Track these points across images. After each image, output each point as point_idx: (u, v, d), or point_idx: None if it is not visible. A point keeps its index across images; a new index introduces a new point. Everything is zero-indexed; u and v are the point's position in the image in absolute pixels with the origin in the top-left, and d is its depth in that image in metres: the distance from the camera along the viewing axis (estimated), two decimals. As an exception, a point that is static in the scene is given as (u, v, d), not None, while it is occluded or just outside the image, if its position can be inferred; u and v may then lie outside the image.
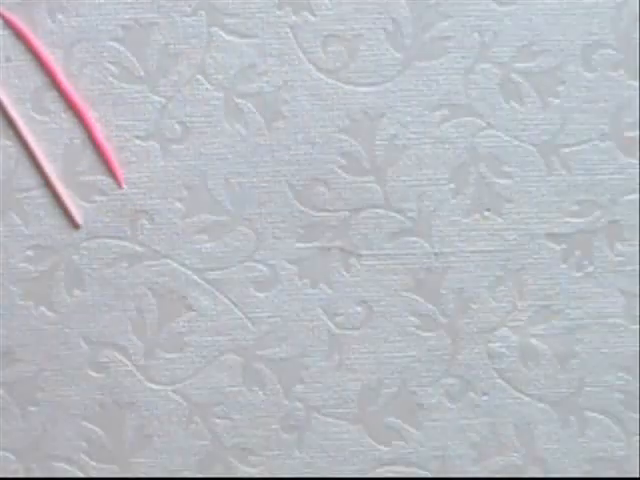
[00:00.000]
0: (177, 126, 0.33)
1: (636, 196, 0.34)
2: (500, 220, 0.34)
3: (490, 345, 0.34)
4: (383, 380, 0.34)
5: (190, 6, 0.32)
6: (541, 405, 0.35)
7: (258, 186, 0.33)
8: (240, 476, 0.35)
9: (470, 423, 0.34)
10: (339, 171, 0.33)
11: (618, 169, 0.34)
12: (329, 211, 0.33)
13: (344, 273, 0.34)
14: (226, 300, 0.34)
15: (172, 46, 0.32)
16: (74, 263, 0.33)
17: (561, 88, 0.34)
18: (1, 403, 0.33)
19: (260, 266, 0.34)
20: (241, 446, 0.34)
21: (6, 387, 0.33)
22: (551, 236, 0.34)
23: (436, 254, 0.34)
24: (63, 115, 0.32)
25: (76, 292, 0.33)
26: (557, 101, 0.34)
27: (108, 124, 0.32)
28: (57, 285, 0.33)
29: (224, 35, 0.32)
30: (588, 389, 0.35)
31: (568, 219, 0.34)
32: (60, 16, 0.32)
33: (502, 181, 0.34)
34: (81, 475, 0.34)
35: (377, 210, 0.34)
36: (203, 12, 0.32)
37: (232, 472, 0.34)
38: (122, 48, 0.32)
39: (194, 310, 0.34)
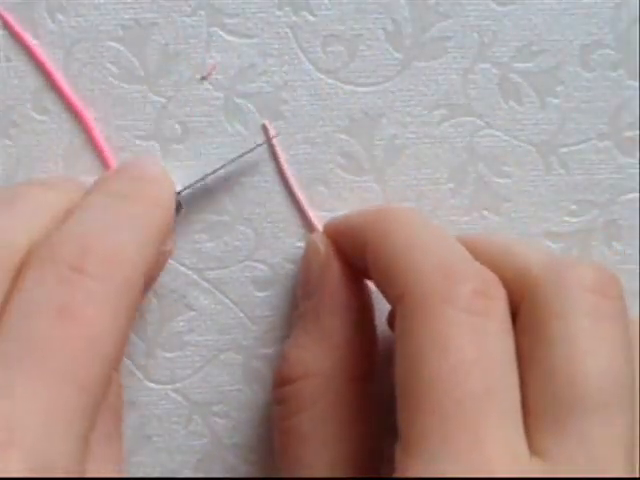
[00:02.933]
0: (177, 126, 0.33)
1: (635, 195, 0.34)
2: (499, 219, 0.34)
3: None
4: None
5: (190, 6, 0.32)
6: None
7: (258, 186, 0.33)
8: (240, 475, 0.35)
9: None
10: (339, 171, 0.33)
11: (617, 169, 0.34)
12: (329, 211, 0.33)
13: (344, 272, 0.33)
14: (226, 299, 0.34)
15: (172, 46, 0.32)
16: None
17: (560, 88, 0.34)
18: None
19: (260, 265, 0.34)
20: (241, 445, 0.34)
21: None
22: (549, 235, 0.35)
23: (435, 254, 0.34)
24: (63, 115, 0.32)
25: (76, 292, 0.33)
26: (556, 101, 0.34)
27: (108, 124, 0.32)
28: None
29: (224, 35, 0.32)
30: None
31: (566, 218, 0.35)
32: (60, 16, 0.32)
33: (501, 181, 0.34)
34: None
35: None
36: (203, 12, 0.32)
37: (232, 471, 0.35)
38: (122, 48, 0.32)
39: (194, 310, 0.34)
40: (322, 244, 0.32)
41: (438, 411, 0.25)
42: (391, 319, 0.32)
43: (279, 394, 0.31)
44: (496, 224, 0.34)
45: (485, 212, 0.34)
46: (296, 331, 0.32)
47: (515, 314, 0.28)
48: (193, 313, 0.34)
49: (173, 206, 0.30)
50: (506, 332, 0.27)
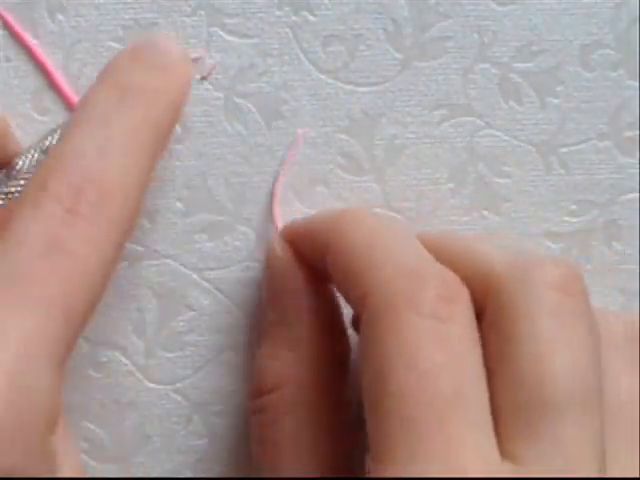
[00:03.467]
0: (177, 126, 0.33)
1: (634, 195, 0.34)
2: (498, 219, 0.34)
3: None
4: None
5: (190, 6, 0.32)
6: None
7: (258, 186, 0.33)
8: (240, 475, 0.35)
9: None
10: (339, 171, 0.33)
11: (616, 169, 0.34)
12: (329, 211, 0.33)
13: (344, 273, 0.33)
14: (226, 299, 0.34)
15: (172, 46, 0.32)
16: (74, 263, 0.33)
17: (560, 88, 0.34)
18: None
19: (260, 265, 0.34)
20: (241, 445, 0.34)
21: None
22: (549, 235, 0.35)
23: (435, 254, 0.34)
24: (63, 115, 0.32)
25: (76, 292, 0.33)
26: (556, 101, 0.34)
27: (108, 124, 0.32)
28: (57, 285, 0.33)
29: (224, 35, 0.32)
30: (586, 388, 0.35)
31: (566, 218, 0.35)
32: (60, 16, 0.32)
33: (501, 181, 0.34)
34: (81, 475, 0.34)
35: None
36: (203, 12, 0.32)
37: (232, 471, 0.35)
38: (122, 48, 0.32)
39: (194, 310, 0.34)
40: (281, 250, 0.32)
41: (407, 419, 0.25)
42: (355, 322, 0.32)
43: (254, 405, 0.31)
44: (496, 224, 0.34)
45: (485, 212, 0.34)
46: (266, 341, 0.32)
47: (480, 313, 0.28)
48: (193, 313, 0.34)
49: (188, 81, 0.30)
50: (472, 335, 0.27)
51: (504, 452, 0.26)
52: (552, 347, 0.26)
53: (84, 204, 0.26)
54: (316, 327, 0.31)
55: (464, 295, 0.27)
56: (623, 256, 0.35)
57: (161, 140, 0.29)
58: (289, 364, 0.31)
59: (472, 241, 0.30)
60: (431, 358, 0.26)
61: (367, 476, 0.26)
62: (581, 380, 0.26)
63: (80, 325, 0.26)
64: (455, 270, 0.28)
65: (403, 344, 0.26)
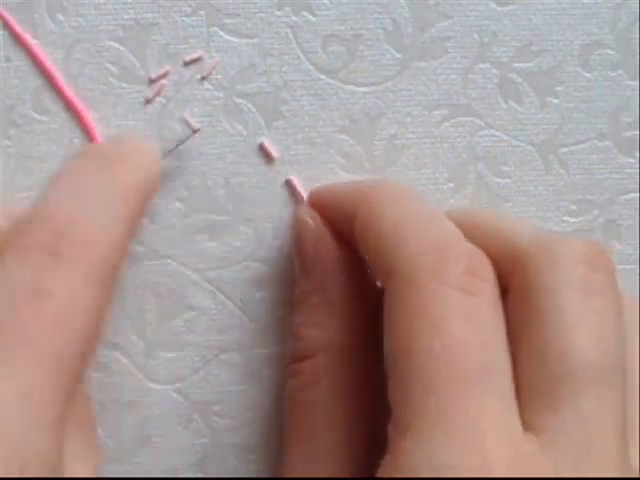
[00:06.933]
0: (177, 126, 0.33)
1: (634, 195, 0.34)
2: (498, 219, 0.34)
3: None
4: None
5: (190, 6, 0.32)
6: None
7: (258, 186, 0.33)
8: (240, 475, 0.35)
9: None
10: (339, 171, 0.33)
11: (616, 169, 0.34)
12: (329, 211, 0.33)
13: (344, 272, 0.33)
14: (226, 299, 0.34)
15: (172, 46, 0.32)
16: (74, 263, 0.33)
17: (560, 88, 0.34)
18: None
19: (260, 265, 0.34)
20: (241, 445, 0.34)
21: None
22: (549, 235, 0.35)
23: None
24: (63, 115, 0.32)
25: (76, 292, 0.33)
26: (556, 101, 0.34)
27: (108, 124, 0.32)
28: (57, 285, 0.33)
29: (224, 35, 0.32)
30: (586, 387, 0.35)
31: (566, 218, 0.35)
32: (60, 16, 0.32)
33: (500, 181, 0.34)
34: (81, 475, 0.34)
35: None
36: (203, 12, 0.32)
37: (232, 471, 0.35)
38: (122, 48, 0.32)
39: (194, 310, 0.34)
40: (311, 219, 0.32)
41: (431, 389, 0.25)
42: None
43: (292, 369, 0.31)
44: (496, 224, 0.34)
45: (485, 212, 0.34)
46: (302, 309, 0.32)
47: (504, 292, 0.28)
48: (193, 313, 0.34)
49: (157, 170, 0.30)
50: (497, 311, 0.27)
51: (526, 423, 0.26)
52: (576, 321, 0.26)
53: (66, 245, 0.26)
54: (354, 292, 0.31)
55: (490, 273, 0.27)
56: (623, 256, 0.35)
57: (137, 202, 0.29)
58: (329, 330, 0.31)
59: (499, 218, 0.30)
60: (455, 330, 0.26)
61: (389, 444, 0.26)
62: (604, 355, 0.26)
63: (73, 371, 0.26)
64: (482, 246, 0.28)
65: (428, 313, 0.26)
